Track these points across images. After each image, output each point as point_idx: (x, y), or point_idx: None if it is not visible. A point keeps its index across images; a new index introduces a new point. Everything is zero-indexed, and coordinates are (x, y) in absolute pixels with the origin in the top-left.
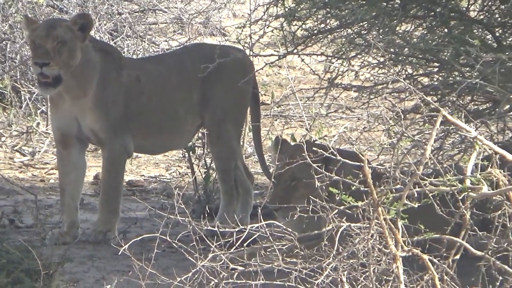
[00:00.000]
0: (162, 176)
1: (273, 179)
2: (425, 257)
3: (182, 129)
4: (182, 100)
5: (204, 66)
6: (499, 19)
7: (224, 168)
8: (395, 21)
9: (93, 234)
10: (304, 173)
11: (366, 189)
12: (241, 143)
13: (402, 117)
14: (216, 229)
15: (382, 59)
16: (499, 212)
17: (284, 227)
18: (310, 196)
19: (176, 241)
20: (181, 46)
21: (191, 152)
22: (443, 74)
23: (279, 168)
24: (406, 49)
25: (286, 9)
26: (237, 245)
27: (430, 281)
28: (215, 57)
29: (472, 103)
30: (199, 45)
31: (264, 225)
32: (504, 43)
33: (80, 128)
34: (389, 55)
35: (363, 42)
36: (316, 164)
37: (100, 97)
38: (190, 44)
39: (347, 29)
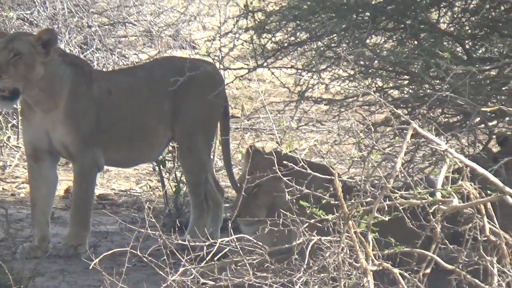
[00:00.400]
0: (133, 189)
1: (243, 193)
2: (396, 271)
3: (153, 141)
4: (153, 112)
5: (174, 79)
6: (469, 31)
7: (194, 181)
8: (365, 34)
9: (64, 248)
10: (266, 181)
11: (336, 202)
12: (211, 157)
13: (373, 130)
14: (186, 243)
15: (352, 72)
16: (470, 225)
17: (255, 241)
18: (274, 204)
19: (146, 255)
20: (151, 59)
21: (161, 166)
22: (413, 86)
23: (249, 181)
24: (376, 61)
25: (256, 22)
26: (207, 259)
27: None
28: (185, 70)
29: (443, 115)
30: (169, 58)
31: (235, 239)
32: (474, 55)
33: (51, 142)
34: (359, 68)
35: (333, 54)
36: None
37: (71, 110)
38: (160, 57)
39: (317, 41)
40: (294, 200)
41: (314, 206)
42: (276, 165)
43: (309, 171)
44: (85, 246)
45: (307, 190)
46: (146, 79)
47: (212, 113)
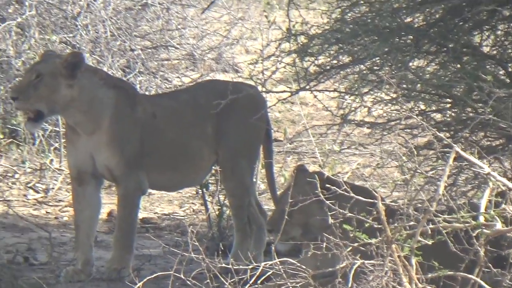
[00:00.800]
0: (176, 213)
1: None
2: None
3: (198, 165)
4: (197, 136)
5: (216, 102)
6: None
7: (237, 204)
8: (407, 57)
9: (107, 272)
10: (302, 200)
11: (379, 226)
12: (254, 180)
13: (415, 153)
14: (230, 266)
15: (394, 95)
16: None
17: (298, 264)
18: (308, 224)
19: (190, 279)
20: (194, 82)
21: (204, 189)
22: (456, 110)
23: (287, 199)
24: (418, 85)
25: (299, 45)
26: (250, 282)
27: None
28: (228, 93)
29: (485, 139)
30: (212, 81)
31: (278, 262)
32: None
33: (95, 165)
34: (402, 91)
35: (375, 78)
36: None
37: (114, 133)
38: (204, 81)
39: (359, 65)
40: (338, 224)
41: (357, 229)
42: (319, 188)
43: (352, 194)
44: (128, 270)
45: (350, 214)
46: (190, 103)
47: (255, 136)
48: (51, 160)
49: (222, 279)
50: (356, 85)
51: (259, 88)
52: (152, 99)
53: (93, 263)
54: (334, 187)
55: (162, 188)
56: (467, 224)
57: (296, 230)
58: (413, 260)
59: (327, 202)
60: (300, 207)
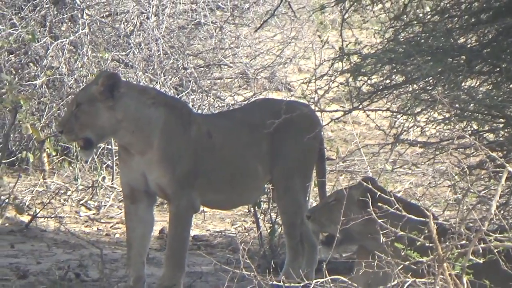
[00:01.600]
0: (228, 230)
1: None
2: None
3: (253, 184)
4: (253, 155)
5: (270, 121)
6: None
7: (290, 222)
8: (460, 77)
9: None
10: (343, 200)
11: (431, 244)
12: (307, 199)
13: (468, 173)
14: (281, 284)
15: (447, 115)
16: None
17: (349, 282)
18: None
19: None
20: (247, 101)
21: (256, 207)
22: (508, 129)
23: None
24: (471, 105)
25: (352, 65)
26: None
27: None
28: (282, 112)
29: None
30: (267, 100)
31: (329, 281)
32: None
33: (148, 183)
34: (455, 111)
35: (428, 97)
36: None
37: (166, 152)
38: (258, 99)
39: (412, 84)
40: (389, 242)
41: (409, 248)
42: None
43: (403, 213)
44: (179, 287)
45: (402, 232)
46: (245, 122)
47: (309, 155)
48: (103, 178)
49: None
50: (408, 105)
51: (312, 107)
52: (208, 118)
53: (144, 280)
54: (386, 206)
55: (217, 207)
56: None
57: (334, 227)
58: (464, 279)
59: (379, 221)
60: (340, 206)
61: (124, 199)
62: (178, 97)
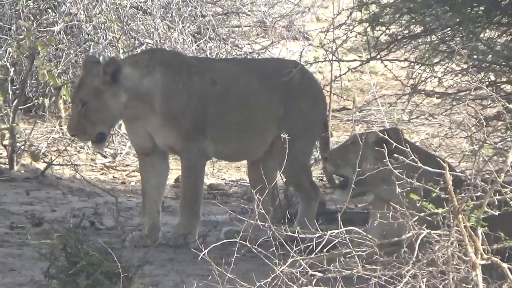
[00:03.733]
0: (243, 180)
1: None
2: (505, 265)
3: (261, 135)
4: (262, 105)
5: (287, 70)
6: None
7: (297, 182)
8: (479, 28)
9: (173, 237)
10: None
11: (446, 196)
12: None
13: (484, 124)
14: (296, 234)
15: (465, 66)
16: None
17: (364, 233)
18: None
19: (256, 246)
20: (266, 49)
21: None
22: None
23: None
24: (489, 56)
25: (370, 14)
26: (316, 251)
27: None
28: (295, 73)
29: None
30: (282, 60)
31: (344, 231)
32: None
33: (156, 143)
34: (473, 62)
35: (446, 48)
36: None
37: (168, 114)
38: (272, 58)
39: (431, 35)
40: (404, 193)
41: (424, 199)
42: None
43: (419, 164)
44: (194, 235)
45: (417, 183)
46: (255, 70)
47: (316, 121)
48: (120, 125)
49: (288, 247)
50: (427, 55)
51: (330, 56)
52: (213, 65)
53: (159, 229)
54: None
55: (226, 157)
56: None
57: (348, 170)
58: (479, 231)
59: (396, 172)
60: (355, 148)
61: (137, 153)
62: (195, 44)
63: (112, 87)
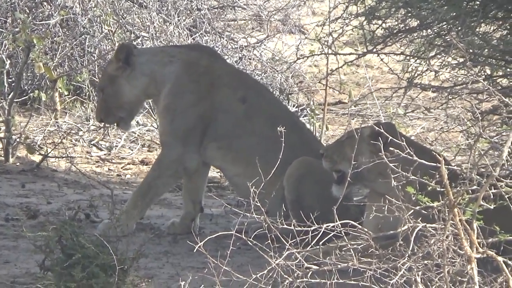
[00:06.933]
0: None
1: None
2: (500, 259)
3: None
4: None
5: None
6: None
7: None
8: (475, 22)
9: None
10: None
11: (442, 189)
12: None
13: (480, 118)
14: (291, 227)
15: (461, 60)
16: None
17: (360, 226)
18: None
19: (251, 239)
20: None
21: None
22: None
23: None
24: (485, 50)
25: (366, 8)
26: (312, 243)
27: (504, 283)
28: None
29: None
30: None
31: (339, 224)
32: None
33: None
34: (469, 55)
35: (442, 42)
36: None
37: (169, 104)
38: None
39: (427, 29)
40: (400, 186)
41: (419, 192)
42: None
43: (415, 158)
44: (130, 228)
45: (413, 176)
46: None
47: None
48: None
49: (283, 240)
50: (422, 49)
51: (326, 50)
52: (249, 82)
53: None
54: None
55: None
56: None
57: (345, 164)
58: (475, 224)
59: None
60: (350, 142)
61: None
62: (191, 38)
63: (126, 71)
